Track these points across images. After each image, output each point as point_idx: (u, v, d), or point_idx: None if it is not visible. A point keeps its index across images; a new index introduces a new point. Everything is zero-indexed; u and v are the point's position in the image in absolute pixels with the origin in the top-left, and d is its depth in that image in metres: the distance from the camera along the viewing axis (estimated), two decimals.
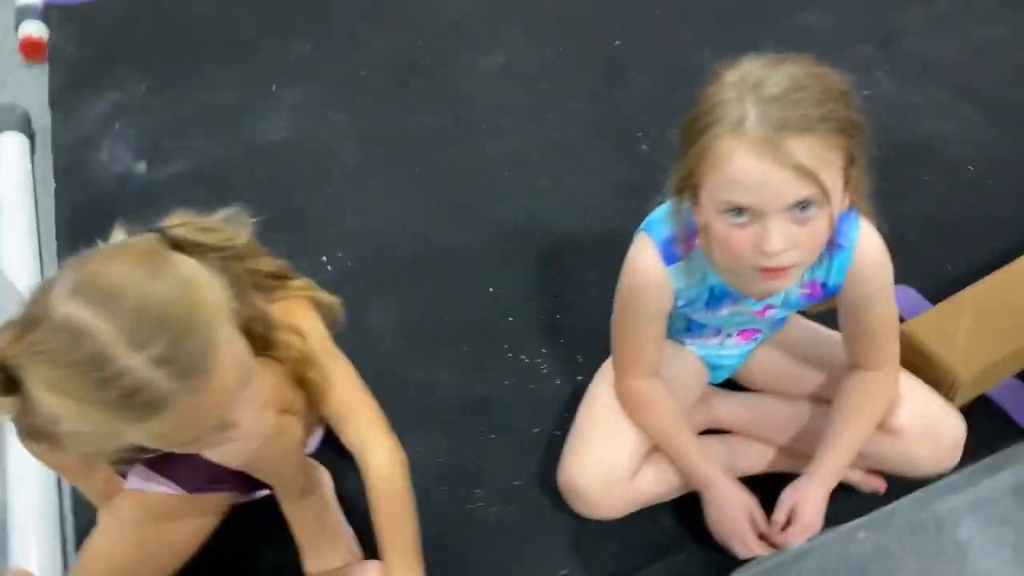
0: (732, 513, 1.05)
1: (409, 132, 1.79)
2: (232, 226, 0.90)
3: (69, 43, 2.04)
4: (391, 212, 1.64)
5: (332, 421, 1.04)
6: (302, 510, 1.15)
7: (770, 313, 1.09)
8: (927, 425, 1.09)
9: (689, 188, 0.90)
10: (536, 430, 1.31)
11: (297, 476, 1.10)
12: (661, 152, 1.66)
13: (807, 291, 1.04)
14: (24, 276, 1.50)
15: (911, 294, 1.45)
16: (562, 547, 1.17)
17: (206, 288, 0.77)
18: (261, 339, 0.92)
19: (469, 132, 1.79)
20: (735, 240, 0.87)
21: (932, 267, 1.51)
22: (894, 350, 1.08)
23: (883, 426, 1.09)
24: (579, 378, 1.35)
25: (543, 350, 1.41)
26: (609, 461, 1.10)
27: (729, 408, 1.24)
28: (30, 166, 1.78)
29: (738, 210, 0.84)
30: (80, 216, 1.65)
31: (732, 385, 1.28)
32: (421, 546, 1.09)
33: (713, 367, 1.24)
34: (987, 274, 1.36)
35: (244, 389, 0.78)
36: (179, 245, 0.81)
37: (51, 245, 1.62)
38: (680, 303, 1.05)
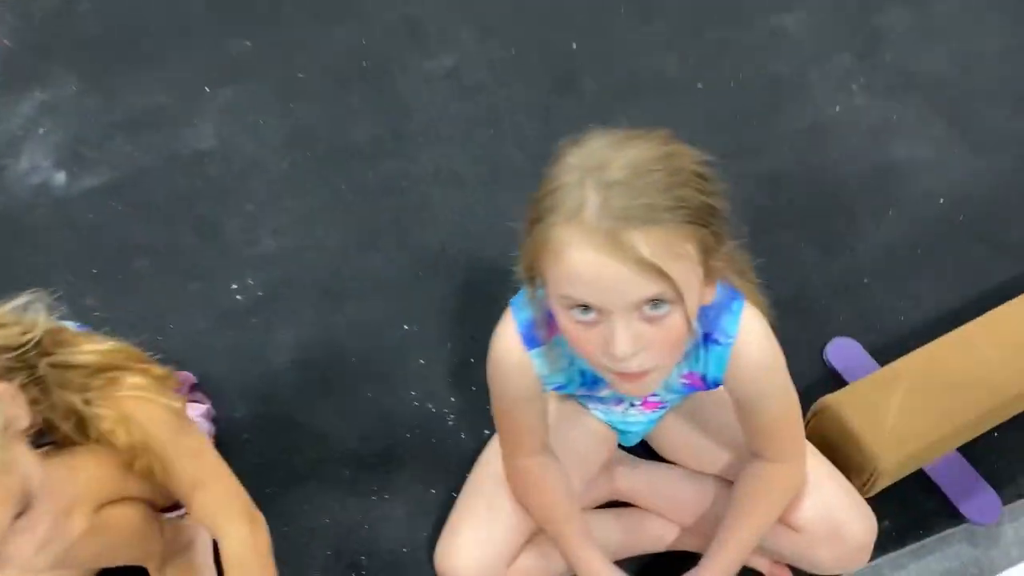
0: None
1: (342, 143, 1.69)
2: (30, 313, 0.82)
3: (2, 35, 1.95)
4: (310, 235, 1.55)
5: (182, 501, 0.98)
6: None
7: (654, 400, 0.99)
8: (832, 524, 0.99)
9: (536, 276, 0.80)
10: (432, 491, 1.23)
11: (148, 553, 1.03)
12: None
13: (687, 381, 0.94)
14: None
15: (855, 350, 1.34)
16: None
17: None
18: (79, 433, 0.85)
19: (405, 146, 1.68)
20: (583, 340, 0.77)
21: (884, 318, 1.39)
22: (795, 447, 0.98)
23: (784, 520, 1.00)
24: (486, 432, 1.27)
25: (452, 399, 1.32)
26: (487, 545, 1.02)
27: (631, 482, 1.16)
28: None
29: (584, 307, 0.74)
30: None
31: (647, 449, 1.19)
32: None
33: (621, 432, 1.15)
34: (943, 332, 1.24)
35: (14, 521, 0.70)
36: None
37: None
38: (550, 387, 0.95)
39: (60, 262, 1.53)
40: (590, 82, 1.77)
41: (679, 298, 0.73)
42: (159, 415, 0.92)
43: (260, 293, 1.47)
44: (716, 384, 0.92)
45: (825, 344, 1.35)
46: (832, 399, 1.14)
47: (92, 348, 0.87)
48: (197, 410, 1.18)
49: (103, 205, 1.60)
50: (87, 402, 0.85)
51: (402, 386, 1.34)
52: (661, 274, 0.70)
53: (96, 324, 1.42)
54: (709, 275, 0.78)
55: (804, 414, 1.17)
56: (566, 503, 1.03)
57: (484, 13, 1.92)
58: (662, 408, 1.11)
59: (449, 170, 1.63)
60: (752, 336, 0.87)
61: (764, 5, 1.89)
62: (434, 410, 1.31)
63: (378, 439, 1.29)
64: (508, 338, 0.91)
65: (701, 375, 0.91)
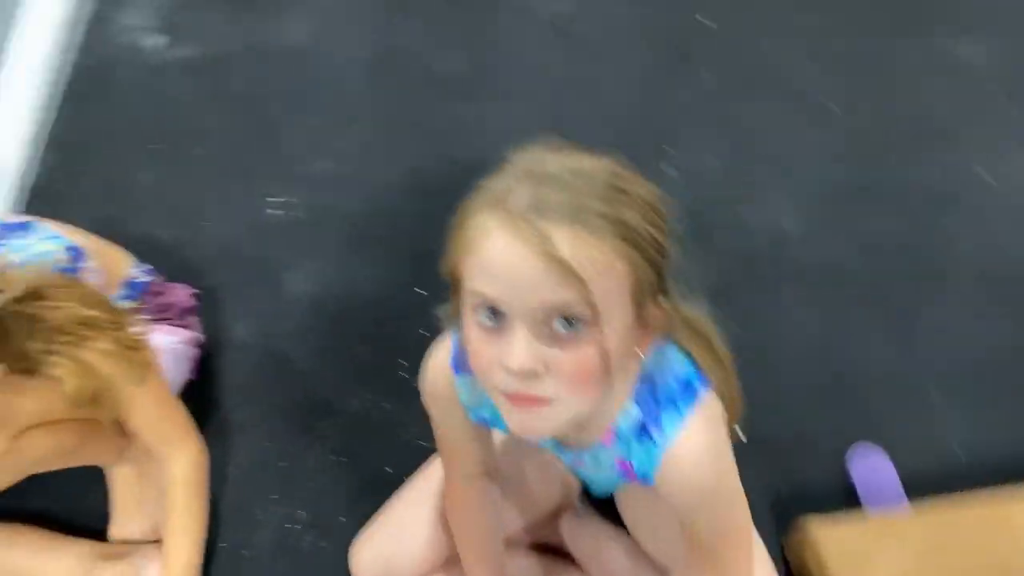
0: None
1: (426, 75, 1.60)
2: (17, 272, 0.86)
3: None
4: (364, 167, 1.50)
5: (136, 435, 1.05)
6: (115, 478, 1.17)
7: (582, 469, 0.90)
8: None
9: (456, 287, 0.70)
10: (388, 469, 1.21)
11: (95, 459, 1.08)
12: (687, 177, 1.40)
13: (619, 466, 0.83)
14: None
15: (882, 464, 1.18)
16: None
17: None
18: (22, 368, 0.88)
19: (486, 92, 1.57)
20: (481, 349, 0.67)
21: (932, 438, 1.21)
22: (734, 569, 0.86)
23: None
24: None
25: None
26: (394, 562, 0.99)
27: (574, 534, 1.09)
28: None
29: (492, 312, 0.65)
30: (83, 77, 1.63)
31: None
32: (200, 562, 1.07)
33: (582, 480, 1.07)
34: (994, 482, 1.06)
35: None
36: None
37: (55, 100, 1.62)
38: (474, 418, 0.88)
39: (126, 129, 1.56)
40: (706, 65, 1.58)
41: (594, 320, 0.62)
42: (120, 372, 0.94)
43: (298, 214, 1.45)
44: (646, 481, 0.82)
45: (850, 445, 1.19)
46: (818, 530, 1.00)
47: (69, 308, 0.89)
48: (180, 336, 1.19)
49: (182, 81, 1.61)
50: (47, 352, 0.87)
51: (393, 351, 1.30)
52: (576, 280, 0.60)
53: (138, 205, 1.46)
54: (642, 320, 0.67)
55: (792, 522, 1.06)
56: (484, 541, 0.98)
57: None
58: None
59: (521, 130, 1.52)
60: (690, 448, 0.75)
61: (943, 22, 1.61)
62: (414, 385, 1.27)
63: (351, 396, 1.26)
64: (439, 359, 0.84)
65: (631, 467, 0.81)
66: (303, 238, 1.42)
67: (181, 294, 1.23)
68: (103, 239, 1.18)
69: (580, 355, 0.64)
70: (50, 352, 0.87)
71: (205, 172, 1.51)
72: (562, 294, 0.61)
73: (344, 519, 1.17)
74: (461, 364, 0.82)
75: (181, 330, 1.19)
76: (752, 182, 1.44)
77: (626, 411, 0.76)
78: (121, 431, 1.07)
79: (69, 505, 1.18)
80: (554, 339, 0.63)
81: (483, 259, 0.63)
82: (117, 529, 1.16)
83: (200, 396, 1.24)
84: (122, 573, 1.10)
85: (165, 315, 1.17)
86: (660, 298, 0.68)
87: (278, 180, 1.48)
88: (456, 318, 0.73)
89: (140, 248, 1.24)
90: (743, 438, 0.95)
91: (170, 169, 1.51)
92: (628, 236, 0.63)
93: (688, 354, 0.78)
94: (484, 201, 0.65)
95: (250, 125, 1.56)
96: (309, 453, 1.23)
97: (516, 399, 0.66)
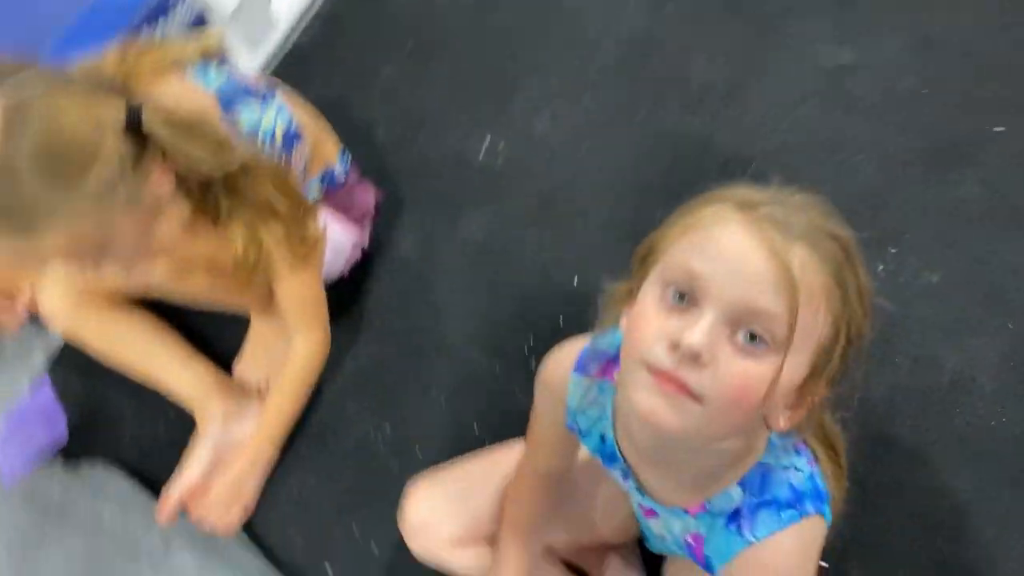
0: None
1: (676, 70, 1.54)
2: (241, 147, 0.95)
3: None
4: (575, 144, 1.49)
5: (278, 307, 1.16)
6: (255, 325, 1.32)
7: (653, 521, 0.88)
8: None
9: (637, 279, 0.69)
10: (476, 430, 1.25)
11: (228, 305, 1.23)
12: (894, 286, 1.28)
13: (690, 540, 0.82)
14: None
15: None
16: None
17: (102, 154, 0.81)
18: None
19: (731, 111, 1.48)
20: (652, 320, 0.63)
21: None
22: None
23: None
24: None
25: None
26: (437, 516, 1.04)
27: (615, 571, 1.09)
28: None
29: (682, 295, 0.63)
30: None
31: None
32: (288, 432, 1.18)
33: (642, 529, 1.07)
34: None
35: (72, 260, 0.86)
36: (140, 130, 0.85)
37: None
38: (570, 424, 0.88)
39: (388, 21, 1.64)
40: (980, 176, 1.40)
41: (781, 347, 0.60)
42: (282, 257, 1.05)
43: (498, 162, 1.48)
44: (708, 568, 0.80)
45: None
46: None
47: (265, 190, 0.99)
48: (350, 234, 1.27)
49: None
50: (231, 214, 0.98)
51: (526, 329, 1.32)
52: (793, 295, 0.59)
53: (369, 96, 1.54)
54: (802, 390, 0.64)
55: None
56: (527, 521, 1.00)
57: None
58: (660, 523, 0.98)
59: (741, 165, 1.46)
60: (772, 556, 0.71)
61: None
62: (532, 366, 1.30)
63: (473, 349, 1.31)
64: (566, 352, 0.85)
65: (702, 546, 0.79)
66: (494, 186, 1.46)
67: (367, 196, 1.32)
68: (324, 121, 1.28)
69: (752, 369, 0.60)
70: (233, 216, 0.98)
71: (437, 87, 1.58)
72: (771, 303, 0.59)
73: (420, 453, 1.24)
74: (584, 366, 0.83)
75: (354, 228, 1.28)
76: (964, 319, 1.28)
77: (727, 491, 0.74)
78: (270, 293, 1.19)
79: (207, 333, 1.32)
80: (733, 344, 0.61)
81: (709, 238, 0.62)
82: (241, 368, 1.30)
83: (344, 294, 1.34)
84: (227, 408, 1.23)
85: (345, 210, 1.25)
86: (828, 384, 0.65)
87: (495, 122, 1.52)
88: (623, 299, 0.72)
89: (352, 138, 1.33)
90: (824, 565, 0.89)
91: (410, 72, 1.59)
92: (844, 296, 0.62)
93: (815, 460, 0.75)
94: (723, 197, 0.64)
95: (494, 60, 1.60)
96: (415, 382, 1.30)
97: (664, 378, 0.61)
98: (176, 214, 0.97)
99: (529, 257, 1.40)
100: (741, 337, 0.60)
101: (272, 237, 1.01)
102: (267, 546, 1.21)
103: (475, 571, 1.07)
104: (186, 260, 1.05)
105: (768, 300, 0.59)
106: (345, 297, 1.35)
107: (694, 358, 0.60)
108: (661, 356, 0.61)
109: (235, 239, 1.00)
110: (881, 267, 1.31)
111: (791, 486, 0.72)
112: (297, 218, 1.04)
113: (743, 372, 0.60)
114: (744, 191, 0.65)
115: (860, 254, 0.65)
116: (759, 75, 1.50)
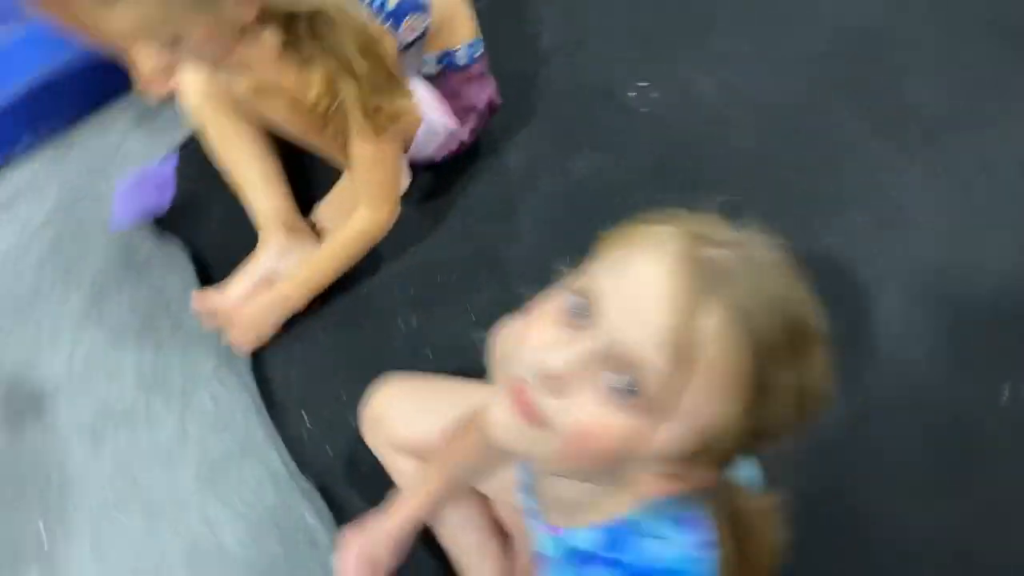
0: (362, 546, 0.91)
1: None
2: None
3: None
4: (739, 122, 1.35)
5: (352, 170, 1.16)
6: (345, 178, 1.33)
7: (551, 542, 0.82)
8: None
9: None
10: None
11: (311, 145, 1.23)
12: None
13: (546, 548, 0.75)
14: None
15: None
16: None
17: None
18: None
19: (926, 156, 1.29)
20: (541, 319, 0.56)
21: None
22: None
23: None
24: None
25: None
26: (394, 417, 1.04)
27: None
28: None
29: (578, 308, 0.54)
30: None
31: None
32: (319, 290, 1.22)
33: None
34: None
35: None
36: None
37: None
38: None
39: None
40: None
41: (654, 409, 0.51)
42: (355, 121, 1.05)
43: (642, 109, 1.39)
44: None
45: None
46: None
47: (350, 54, 0.98)
48: (450, 122, 1.23)
49: None
50: (315, 59, 0.99)
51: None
52: (680, 364, 0.50)
53: None
54: (691, 460, 0.54)
55: None
56: (463, 463, 0.95)
57: None
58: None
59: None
60: None
61: None
62: None
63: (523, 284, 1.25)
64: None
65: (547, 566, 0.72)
66: (623, 133, 1.36)
67: (482, 92, 1.26)
68: (467, 4, 1.22)
69: (607, 419, 0.52)
70: (314, 61, 0.99)
71: (620, 14, 1.47)
72: (653, 359, 0.50)
73: (431, 355, 1.24)
74: None
75: (456, 120, 1.24)
76: None
77: (584, 533, 0.65)
78: None
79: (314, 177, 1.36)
80: (605, 389, 0.52)
81: (630, 260, 0.54)
82: (320, 211, 1.34)
83: (428, 178, 1.32)
84: (284, 243, 1.27)
85: (452, 97, 1.22)
86: (725, 464, 0.56)
87: (660, 69, 1.41)
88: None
89: (506, 34, 1.27)
90: None
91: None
92: (764, 389, 0.51)
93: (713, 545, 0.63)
94: (685, 221, 0.55)
95: (697, 4, 1.46)
96: (462, 292, 1.28)
97: (518, 392, 0.55)
98: (267, 42, 1.00)
99: (626, 214, 1.30)
100: (613, 382, 0.52)
101: (350, 96, 1.01)
102: (265, 378, 1.27)
103: (405, 483, 1.06)
104: (270, 85, 1.07)
105: (651, 354, 0.50)
106: (426, 181, 1.33)
107: (556, 379, 0.53)
108: (527, 367, 0.55)
109: (312, 84, 1.01)
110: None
111: (664, 557, 0.62)
112: (377, 86, 1.02)
113: (594, 419, 0.52)
114: (713, 224, 0.55)
115: (822, 350, 0.53)
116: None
